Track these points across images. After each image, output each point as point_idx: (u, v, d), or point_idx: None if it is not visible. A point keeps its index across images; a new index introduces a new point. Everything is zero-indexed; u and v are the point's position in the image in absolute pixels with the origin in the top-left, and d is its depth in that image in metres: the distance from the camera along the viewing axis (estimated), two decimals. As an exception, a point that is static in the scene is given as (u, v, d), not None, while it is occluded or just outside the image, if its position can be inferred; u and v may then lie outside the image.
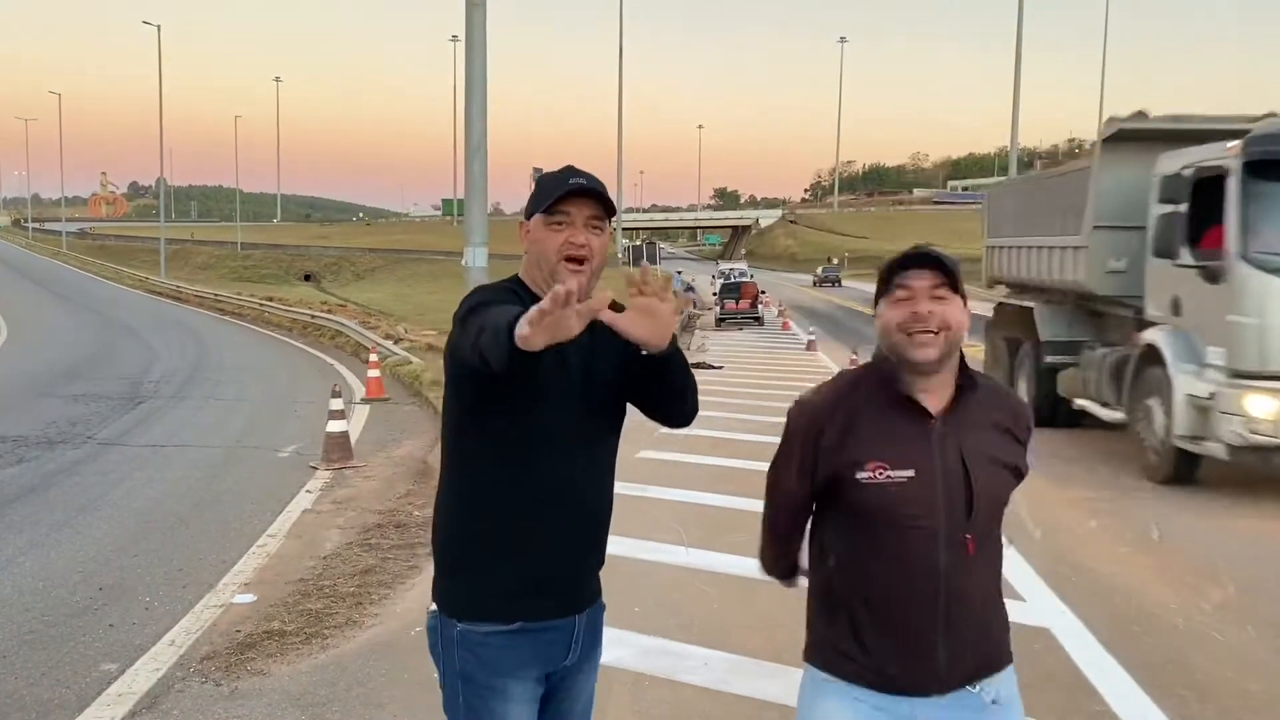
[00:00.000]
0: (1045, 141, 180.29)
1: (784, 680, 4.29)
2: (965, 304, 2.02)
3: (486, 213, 12.19)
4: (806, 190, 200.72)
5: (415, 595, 5.41)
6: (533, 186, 2.12)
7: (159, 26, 53.44)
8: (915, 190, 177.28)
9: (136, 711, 4.04)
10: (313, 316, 26.54)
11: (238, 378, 16.40)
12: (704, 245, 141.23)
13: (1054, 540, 6.60)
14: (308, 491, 8.05)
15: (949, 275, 2.01)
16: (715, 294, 34.32)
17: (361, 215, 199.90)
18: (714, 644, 4.66)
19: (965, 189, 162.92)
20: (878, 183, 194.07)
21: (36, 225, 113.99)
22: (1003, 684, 2.10)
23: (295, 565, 6.02)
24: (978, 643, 2.03)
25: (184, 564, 6.12)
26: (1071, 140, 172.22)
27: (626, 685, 4.12)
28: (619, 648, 4.34)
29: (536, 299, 1.95)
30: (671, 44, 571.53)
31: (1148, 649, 4.70)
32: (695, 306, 34.66)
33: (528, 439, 2.01)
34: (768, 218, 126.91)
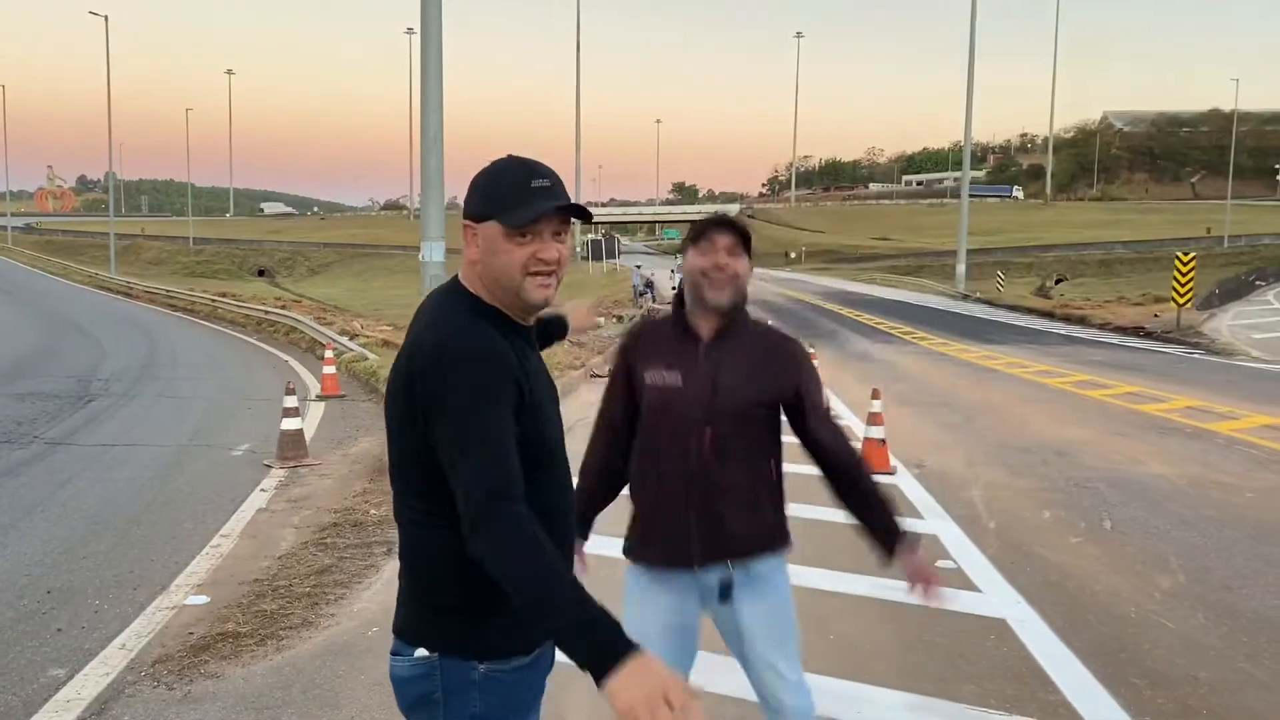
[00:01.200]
0: (998, 137, 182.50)
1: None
2: (750, 264, 2.59)
3: (444, 207, 12.11)
4: (764, 185, 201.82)
5: (371, 595, 5.36)
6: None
7: (106, 17, 52.38)
8: (871, 185, 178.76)
9: (85, 717, 3.95)
10: (266, 312, 26.19)
11: (190, 375, 16.14)
12: (663, 240, 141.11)
13: (1008, 531, 6.69)
14: (262, 490, 7.94)
15: (744, 239, 2.57)
16: (674, 288, 34.39)
17: (316, 209, 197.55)
18: (674, 639, 4.65)
19: (920, 184, 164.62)
20: (834, 177, 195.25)
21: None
22: (760, 563, 2.65)
23: (250, 565, 5.93)
24: (730, 528, 2.55)
25: (135, 565, 6.01)
26: (1024, 135, 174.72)
27: (585, 683, 4.11)
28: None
29: (503, 317, 1.87)
30: (630, 39, 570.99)
31: (1101, 638, 4.77)
32: (654, 301, 34.68)
33: (546, 460, 1.91)
34: (726, 212, 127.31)
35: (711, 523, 2.54)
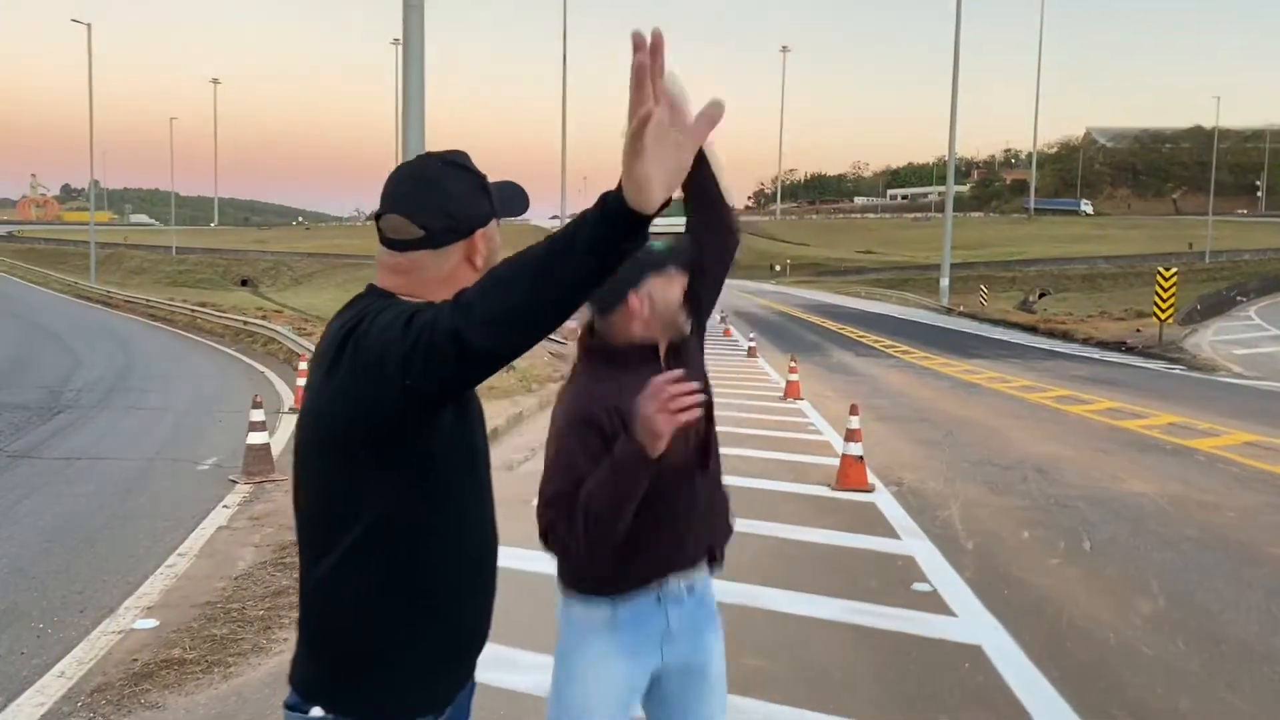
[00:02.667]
0: (982, 151, 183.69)
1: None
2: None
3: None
4: (750, 198, 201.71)
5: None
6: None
7: (89, 25, 52.02)
8: (856, 198, 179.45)
9: (15, 751, 3.76)
10: (245, 323, 25.89)
11: (163, 387, 15.88)
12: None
13: (986, 552, 6.55)
14: (224, 506, 7.73)
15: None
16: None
17: (301, 219, 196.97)
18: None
19: (904, 197, 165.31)
20: (819, 191, 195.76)
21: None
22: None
23: (204, 586, 5.73)
24: (710, 532, 2.47)
25: (86, 586, 5.80)
26: (1008, 151, 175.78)
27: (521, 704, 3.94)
28: (514, 671, 4.14)
29: None
30: (614, 50, 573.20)
31: (1079, 665, 4.63)
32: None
33: (467, 481, 1.73)
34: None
35: (703, 529, 2.44)
